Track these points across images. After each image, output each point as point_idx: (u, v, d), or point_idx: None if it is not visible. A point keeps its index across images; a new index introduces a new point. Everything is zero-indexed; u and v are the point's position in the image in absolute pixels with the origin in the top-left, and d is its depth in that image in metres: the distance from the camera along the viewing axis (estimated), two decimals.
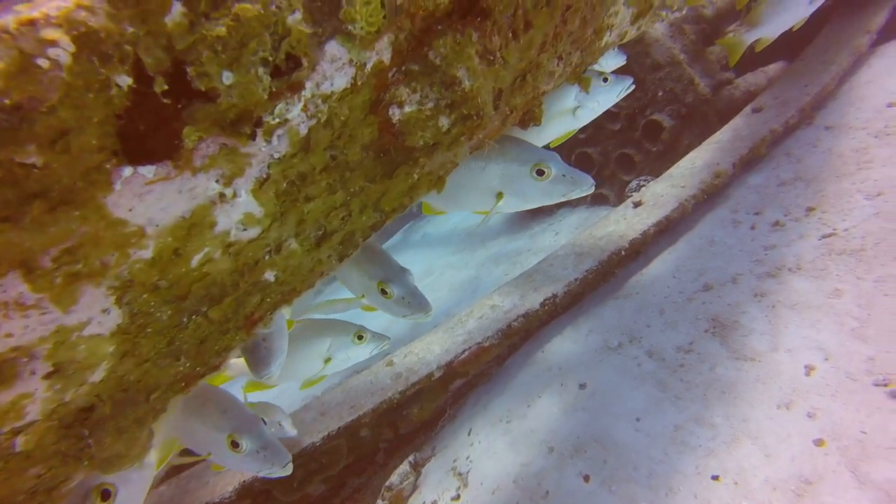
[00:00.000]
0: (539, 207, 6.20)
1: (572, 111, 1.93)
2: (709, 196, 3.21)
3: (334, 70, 0.70)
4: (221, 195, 0.69)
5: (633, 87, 1.98)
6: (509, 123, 1.18)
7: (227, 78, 0.59)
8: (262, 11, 0.57)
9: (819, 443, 1.89)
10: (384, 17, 0.69)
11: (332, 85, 0.72)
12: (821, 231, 2.77)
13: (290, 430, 2.35)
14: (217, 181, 0.68)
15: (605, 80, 1.97)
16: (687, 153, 3.98)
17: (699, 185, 3.16)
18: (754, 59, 5.65)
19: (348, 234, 0.94)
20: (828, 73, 3.91)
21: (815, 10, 2.98)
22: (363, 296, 1.80)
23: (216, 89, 0.60)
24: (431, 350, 2.83)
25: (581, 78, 1.37)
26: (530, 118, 1.27)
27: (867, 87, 3.97)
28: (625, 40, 1.52)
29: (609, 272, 2.97)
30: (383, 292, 1.66)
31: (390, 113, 0.78)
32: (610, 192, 5.37)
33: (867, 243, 2.55)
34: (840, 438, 1.87)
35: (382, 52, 0.74)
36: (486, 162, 1.38)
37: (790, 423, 2.00)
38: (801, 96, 3.79)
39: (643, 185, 3.68)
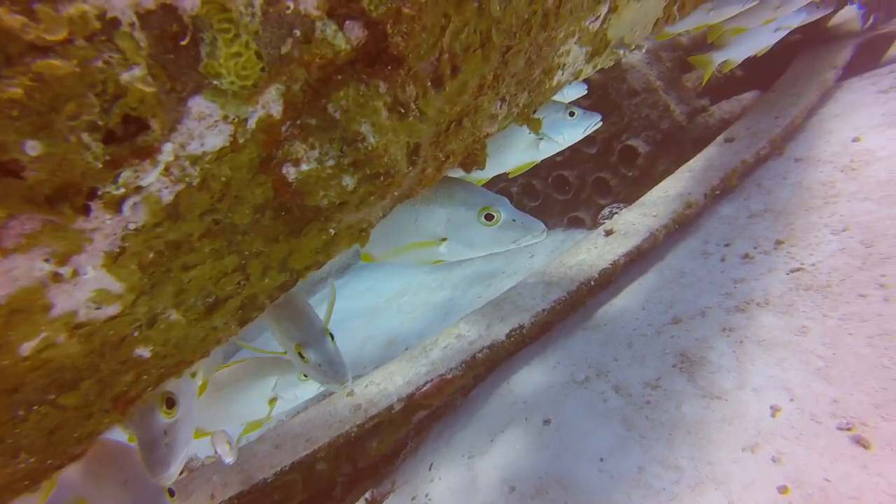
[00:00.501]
0: None
1: (536, 143, 1.89)
2: (680, 226, 3.19)
3: (204, 128, 0.62)
4: (55, 275, 0.60)
5: (600, 124, 1.95)
6: (446, 169, 1.11)
7: (33, 148, 0.50)
8: (79, 69, 0.48)
9: (783, 490, 1.83)
10: (263, 68, 0.61)
11: (202, 145, 0.63)
12: (789, 265, 2.76)
13: (227, 458, 2.15)
14: (46, 260, 0.58)
15: (572, 114, 1.92)
16: (662, 179, 3.99)
17: (671, 214, 3.14)
18: (729, 87, 5.76)
19: (249, 298, 0.85)
20: (797, 106, 3.97)
21: (778, 39, 3.01)
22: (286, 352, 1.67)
23: (18, 161, 0.51)
24: (393, 381, 2.72)
25: (530, 120, 1.30)
26: (472, 162, 1.20)
27: (834, 120, 4.03)
28: (581, 78, 1.47)
29: (578, 302, 2.91)
30: (300, 356, 1.52)
31: (284, 171, 0.70)
32: (586, 215, 5.36)
33: (833, 280, 2.54)
34: (804, 486, 1.81)
35: (270, 105, 0.66)
36: (429, 205, 1.31)
37: (755, 467, 1.94)
38: (772, 128, 3.83)
39: (616, 213, 3.65)
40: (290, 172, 0.70)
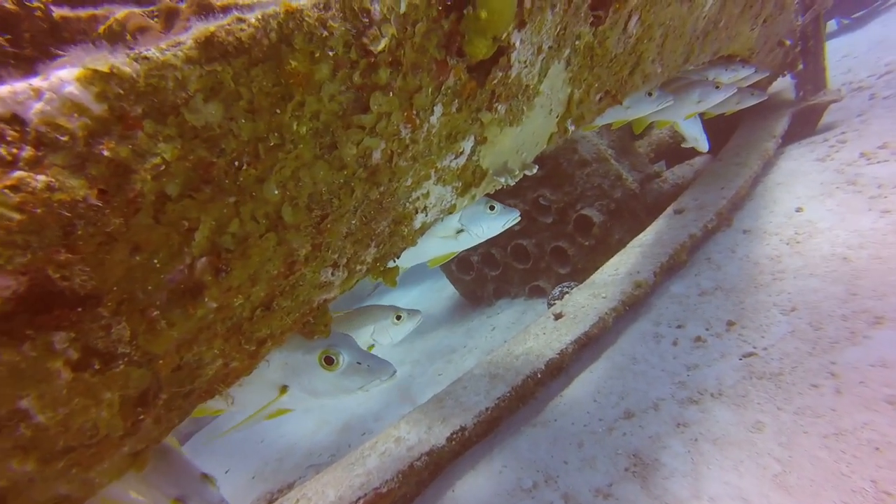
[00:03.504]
0: (479, 295, 6.08)
1: (455, 234, 1.84)
2: (630, 307, 3.09)
3: None
4: None
5: (518, 219, 1.93)
6: (265, 352, 0.96)
7: None
8: None
9: None
10: None
11: None
12: (741, 349, 2.64)
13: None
14: None
15: (492, 208, 1.88)
16: (618, 248, 3.93)
17: (620, 296, 3.03)
18: (683, 150, 5.91)
19: None
20: (741, 177, 4.03)
21: (704, 108, 3.07)
22: None
23: None
24: (325, 496, 2.45)
25: (384, 273, 1.18)
26: (311, 331, 1.06)
27: (778, 189, 4.10)
28: (457, 212, 1.37)
29: (527, 394, 2.73)
30: None
31: None
32: (546, 284, 5.27)
33: (785, 367, 2.43)
34: None
35: None
36: None
37: None
38: (718, 199, 3.86)
39: (566, 293, 3.55)
40: None
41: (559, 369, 2.82)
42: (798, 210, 3.65)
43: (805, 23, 4.55)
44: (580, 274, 4.87)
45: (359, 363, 1.22)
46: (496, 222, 1.85)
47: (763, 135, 4.62)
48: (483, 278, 5.87)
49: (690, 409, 2.44)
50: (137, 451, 0.74)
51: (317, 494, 2.50)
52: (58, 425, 0.57)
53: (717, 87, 3.02)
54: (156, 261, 0.60)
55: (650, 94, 2.47)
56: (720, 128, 5.44)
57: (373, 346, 1.87)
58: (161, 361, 0.66)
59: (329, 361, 1.19)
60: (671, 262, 3.31)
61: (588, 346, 2.95)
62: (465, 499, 2.46)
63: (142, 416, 0.67)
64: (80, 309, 0.56)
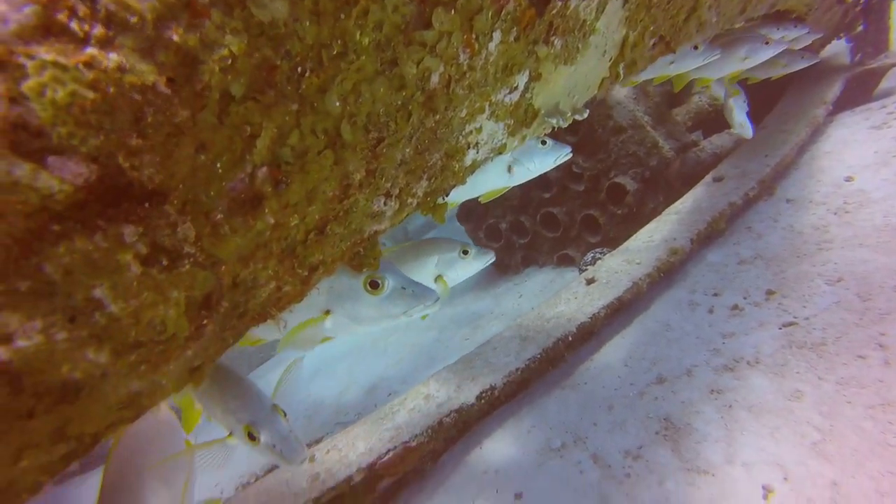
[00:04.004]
0: (507, 263, 6.05)
1: (508, 168, 1.82)
2: (665, 274, 3.02)
3: None
4: None
5: (569, 155, 1.91)
6: (315, 280, 0.94)
7: None
8: None
9: None
10: None
11: None
12: (781, 318, 2.57)
13: None
14: None
15: (544, 143, 1.85)
16: (651, 217, 3.83)
17: (655, 262, 2.96)
18: (721, 120, 5.66)
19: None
20: (787, 144, 3.84)
21: (751, 66, 2.90)
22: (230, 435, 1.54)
23: None
24: (355, 447, 2.51)
25: (435, 209, 1.15)
26: (360, 265, 1.04)
27: (826, 158, 3.90)
28: (506, 153, 1.32)
29: (557, 358, 2.71)
30: (250, 437, 1.42)
31: None
32: (576, 253, 5.20)
33: (828, 337, 2.34)
34: None
35: None
36: None
37: None
38: (762, 167, 3.70)
39: (599, 259, 3.49)
40: (1, 352, 0.54)
41: (590, 333, 2.79)
42: (848, 179, 3.46)
43: None
44: (611, 243, 4.78)
45: (403, 288, 1.23)
46: (548, 157, 1.84)
47: (812, 101, 4.37)
48: (511, 246, 5.82)
49: (725, 376, 2.39)
50: (195, 367, 0.76)
51: (347, 445, 2.57)
52: (129, 317, 0.58)
53: (767, 44, 2.85)
54: (218, 165, 0.59)
55: (696, 48, 2.35)
56: (765, 94, 5.18)
57: (440, 277, 1.84)
58: (223, 268, 0.66)
59: (374, 286, 1.19)
60: (709, 230, 3.21)
61: (620, 312, 2.90)
62: (493, 456, 2.49)
63: (205, 322, 0.68)
64: (147, 205, 0.56)
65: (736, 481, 1.96)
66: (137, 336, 0.60)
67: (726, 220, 3.31)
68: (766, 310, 2.66)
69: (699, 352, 2.57)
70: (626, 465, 2.18)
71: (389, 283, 1.19)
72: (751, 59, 2.81)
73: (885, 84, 4.98)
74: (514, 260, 5.90)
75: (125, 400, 0.68)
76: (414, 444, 2.39)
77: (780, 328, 2.51)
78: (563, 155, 1.91)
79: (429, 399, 2.59)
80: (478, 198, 1.91)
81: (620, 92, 4.77)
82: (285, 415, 1.48)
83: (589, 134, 4.74)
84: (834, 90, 4.45)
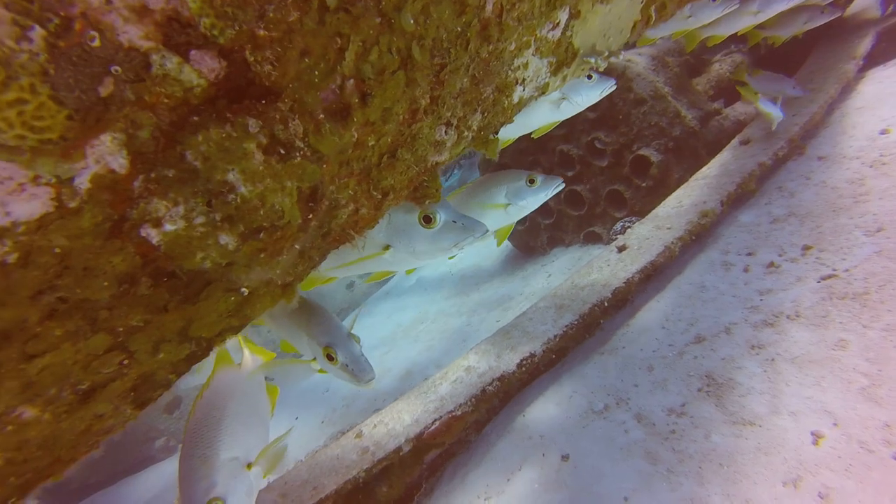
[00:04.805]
0: (532, 245, 6.06)
1: (557, 103, 1.91)
2: (697, 237, 3.01)
3: (3, 195, 0.53)
4: None
5: (615, 87, 2.01)
6: (387, 207, 1.01)
7: None
8: None
9: None
10: (70, 116, 0.52)
11: (7, 215, 0.55)
12: (819, 272, 2.54)
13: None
14: None
15: (590, 77, 1.92)
16: (678, 188, 3.81)
17: (686, 226, 2.96)
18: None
19: (141, 377, 0.75)
20: (815, 102, 3.76)
21: (763, 20, 2.87)
22: (314, 359, 1.79)
23: None
24: (401, 420, 2.59)
25: (488, 143, 1.20)
26: (423, 195, 1.10)
27: (858, 113, 3.80)
28: (548, 92, 1.37)
29: (593, 324, 2.74)
30: (329, 357, 1.64)
31: (144, 234, 0.60)
32: (602, 230, 5.18)
33: (871, 286, 2.32)
34: None
35: (107, 158, 0.57)
36: None
37: None
38: (790, 127, 3.63)
39: (628, 227, 3.49)
40: (152, 235, 0.61)
41: (625, 299, 2.81)
42: (884, 132, 3.38)
43: None
44: (638, 217, 4.75)
45: (454, 221, 1.31)
46: (594, 89, 1.93)
47: (842, 56, 4.26)
48: (536, 228, 5.83)
49: (765, 331, 2.39)
50: (287, 283, 0.83)
51: (393, 419, 2.65)
52: (256, 198, 0.65)
53: None
54: (316, 73, 0.65)
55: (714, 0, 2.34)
56: (791, 53, 5.07)
57: (507, 205, 1.94)
58: (325, 166, 0.73)
59: (427, 220, 1.28)
60: (739, 192, 3.18)
61: (654, 277, 2.91)
62: (536, 423, 2.54)
63: (311, 216, 0.75)
64: (264, 101, 0.62)
65: (784, 430, 1.97)
66: (262, 219, 0.67)
67: (756, 181, 3.28)
68: (802, 265, 2.64)
69: (737, 310, 2.56)
70: (670, 423, 2.21)
71: (441, 217, 1.28)
72: (763, 12, 2.79)
73: None
74: (539, 241, 5.91)
75: (233, 307, 0.76)
76: (459, 413, 2.46)
77: (819, 281, 2.49)
78: (608, 87, 2.00)
79: (470, 370, 2.65)
80: (530, 134, 2.01)
81: (640, 63, 4.72)
82: (359, 341, 1.69)
83: (610, 108, 4.72)
84: (865, 44, 4.33)
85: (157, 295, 0.68)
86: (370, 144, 0.80)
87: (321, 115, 0.69)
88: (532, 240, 5.96)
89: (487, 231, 1.35)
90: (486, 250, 7.35)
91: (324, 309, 1.81)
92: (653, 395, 2.35)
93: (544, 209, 5.60)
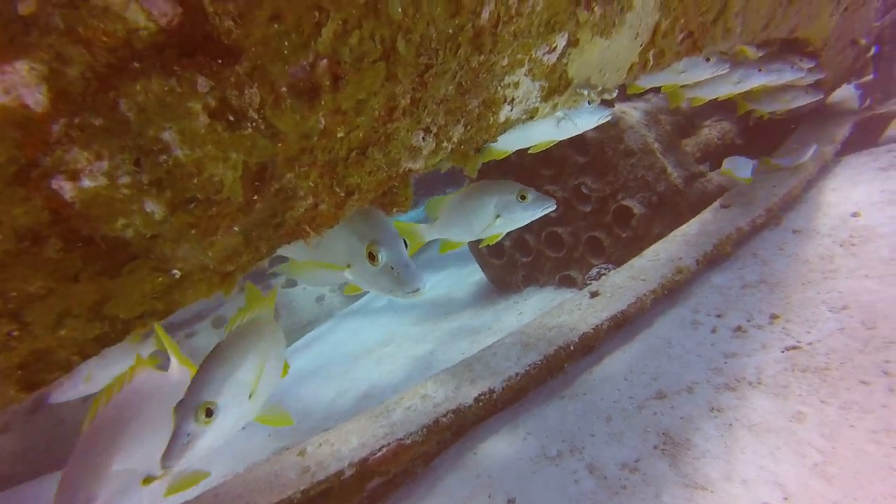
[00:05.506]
0: (507, 281, 6.04)
1: (556, 122, 1.91)
2: (670, 292, 3.02)
3: None
4: None
5: (609, 117, 2.05)
6: (350, 207, 0.95)
7: None
8: None
9: None
10: None
11: None
12: (784, 342, 2.55)
13: None
14: None
15: (589, 103, 1.94)
16: (656, 242, 3.85)
17: (660, 279, 2.97)
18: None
19: (33, 353, 0.66)
20: (795, 177, 3.88)
21: (742, 90, 3.02)
22: (349, 265, 1.47)
23: None
24: (348, 442, 2.47)
25: (468, 159, 1.16)
26: (391, 202, 1.05)
27: (833, 194, 3.94)
28: (537, 118, 1.35)
29: (557, 367, 2.69)
30: (371, 257, 1.34)
31: (56, 187, 0.54)
32: (578, 274, 5.20)
33: (832, 362, 2.33)
34: None
35: (21, 90, 0.50)
36: (340, 226, 1.18)
37: None
38: (769, 196, 3.73)
39: (603, 274, 3.49)
40: (66, 189, 0.54)
41: (592, 345, 2.78)
42: (854, 215, 3.49)
43: (883, 26, 4.35)
44: (615, 266, 4.78)
45: (392, 268, 1.21)
46: (592, 115, 1.95)
47: (821, 138, 4.44)
48: (513, 264, 5.83)
49: (726, 394, 2.37)
50: (228, 272, 0.76)
51: (340, 440, 2.53)
52: (192, 164, 0.58)
53: (760, 71, 2.97)
54: (286, 43, 0.60)
55: (708, 60, 2.42)
56: (775, 130, 5.27)
57: (497, 217, 1.88)
58: (280, 145, 0.67)
59: (371, 257, 1.19)
60: (715, 253, 3.22)
61: (623, 326, 2.89)
62: (487, 461, 2.45)
63: (256, 197, 0.68)
64: (220, 61, 0.57)
65: (735, 498, 1.92)
66: (195, 189, 0.60)
67: (732, 245, 3.33)
68: (769, 333, 2.65)
69: (700, 370, 2.55)
70: (622, 477, 2.15)
71: (383, 259, 1.19)
72: (742, 83, 2.92)
73: (891, 131, 5.07)
74: (515, 278, 5.90)
75: (160, 289, 0.68)
76: (408, 441, 2.35)
77: (783, 351, 2.50)
78: (604, 116, 2.05)
79: (426, 399, 2.56)
80: (528, 149, 2.02)
81: (634, 116, 4.85)
82: (407, 246, 1.42)
83: (600, 155, 4.80)
84: (843, 130, 4.53)
85: (68, 261, 0.60)
86: (339, 136, 0.75)
87: (283, 89, 0.64)
88: (508, 276, 5.94)
89: (419, 290, 1.24)
90: (460, 281, 7.30)
91: (375, 209, 1.52)
92: (608, 447, 2.29)
93: (523, 246, 5.61)
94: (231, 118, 0.60)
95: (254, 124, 0.62)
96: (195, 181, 0.60)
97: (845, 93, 5.65)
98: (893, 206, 3.46)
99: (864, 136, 4.92)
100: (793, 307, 2.76)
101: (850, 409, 2.08)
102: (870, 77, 5.13)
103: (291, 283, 7.86)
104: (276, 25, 0.59)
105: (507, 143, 1.89)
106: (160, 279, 0.68)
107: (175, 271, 0.68)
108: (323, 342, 7.00)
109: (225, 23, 0.55)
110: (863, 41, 4.09)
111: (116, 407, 1.30)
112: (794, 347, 2.49)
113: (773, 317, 2.73)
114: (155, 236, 0.63)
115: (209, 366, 1.19)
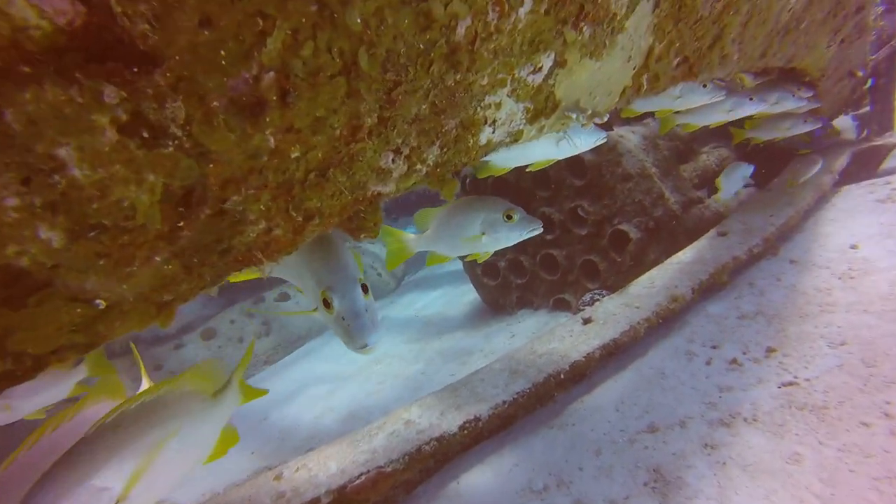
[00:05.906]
0: (501, 303, 5.95)
1: (556, 141, 1.91)
2: (664, 321, 2.94)
3: None
4: None
5: (605, 140, 2.08)
6: (310, 233, 0.88)
7: None
8: None
9: None
10: None
11: None
12: (781, 377, 2.47)
13: None
14: None
15: (582, 126, 1.92)
16: (652, 268, 3.79)
17: (655, 307, 2.90)
18: None
19: None
20: (793, 207, 3.84)
21: (734, 118, 3.01)
22: (315, 309, 1.41)
23: None
24: (327, 467, 2.37)
25: (444, 183, 1.10)
26: (358, 228, 0.99)
27: (831, 224, 3.90)
28: (522, 141, 1.29)
29: (546, 395, 2.60)
30: (325, 304, 1.26)
31: None
32: (572, 298, 5.12)
33: (830, 400, 2.25)
34: None
35: None
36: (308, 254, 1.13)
37: None
38: (767, 226, 3.69)
39: (597, 300, 3.42)
40: None
41: (583, 374, 2.69)
42: (853, 247, 3.44)
43: (878, 59, 4.37)
44: (609, 291, 4.71)
45: (343, 319, 1.14)
46: (591, 137, 1.97)
47: (820, 169, 4.41)
48: (508, 286, 5.75)
49: (720, 430, 2.28)
50: (165, 302, 0.68)
51: (318, 465, 2.42)
52: (94, 186, 0.51)
53: (751, 100, 2.96)
54: (223, 53, 0.54)
55: (705, 86, 2.40)
56: (773, 156, 5.26)
57: (482, 235, 1.84)
58: (211, 166, 0.60)
59: (325, 303, 1.13)
60: (711, 281, 3.16)
61: (615, 355, 2.81)
62: (470, 492, 2.35)
63: (181, 224, 0.61)
64: (136, 70, 0.50)
65: None
66: (99, 215, 0.53)
67: (728, 274, 3.27)
68: (765, 367, 2.57)
69: (694, 403, 2.46)
70: None
71: (336, 305, 1.13)
72: (734, 111, 2.91)
73: (887, 164, 5.06)
74: (509, 300, 5.82)
75: (80, 321, 0.60)
76: (389, 469, 2.25)
77: (780, 387, 2.42)
78: (600, 138, 2.07)
79: (409, 425, 2.46)
80: (526, 167, 2.03)
81: (632, 140, 4.83)
82: (368, 291, 1.30)
83: (597, 178, 4.77)
84: (841, 161, 4.51)
85: None
86: (293, 156, 0.68)
87: (215, 104, 0.57)
88: (502, 297, 5.86)
89: (366, 347, 1.17)
90: (454, 301, 7.21)
91: (341, 243, 1.43)
92: (596, 482, 2.19)
93: (518, 268, 5.54)
94: (146, 135, 0.53)
95: (176, 142, 0.56)
96: (96, 206, 0.53)
97: (843, 123, 5.66)
98: (892, 239, 3.41)
99: (862, 167, 4.91)
100: (790, 341, 2.68)
101: (850, 453, 1.99)
102: (866, 109, 5.14)
103: (284, 297, 7.78)
104: (206, 32, 0.53)
105: (506, 160, 1.88)
106: (79, 310, 0.60)
107: (99, 301, 0.61)
108: (313, 357, 6.89)
109: (138, 26, 0.49)
110: (859, 73, 4.10)
111: (66, 435, 1.20)
112: (791, 383, 2.41)
113: (770, 350, 2.66)
114: (56, 266, 0.56)
115: (55, 469, 1.00)
